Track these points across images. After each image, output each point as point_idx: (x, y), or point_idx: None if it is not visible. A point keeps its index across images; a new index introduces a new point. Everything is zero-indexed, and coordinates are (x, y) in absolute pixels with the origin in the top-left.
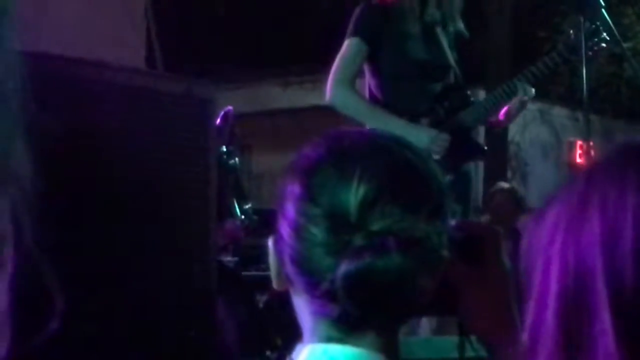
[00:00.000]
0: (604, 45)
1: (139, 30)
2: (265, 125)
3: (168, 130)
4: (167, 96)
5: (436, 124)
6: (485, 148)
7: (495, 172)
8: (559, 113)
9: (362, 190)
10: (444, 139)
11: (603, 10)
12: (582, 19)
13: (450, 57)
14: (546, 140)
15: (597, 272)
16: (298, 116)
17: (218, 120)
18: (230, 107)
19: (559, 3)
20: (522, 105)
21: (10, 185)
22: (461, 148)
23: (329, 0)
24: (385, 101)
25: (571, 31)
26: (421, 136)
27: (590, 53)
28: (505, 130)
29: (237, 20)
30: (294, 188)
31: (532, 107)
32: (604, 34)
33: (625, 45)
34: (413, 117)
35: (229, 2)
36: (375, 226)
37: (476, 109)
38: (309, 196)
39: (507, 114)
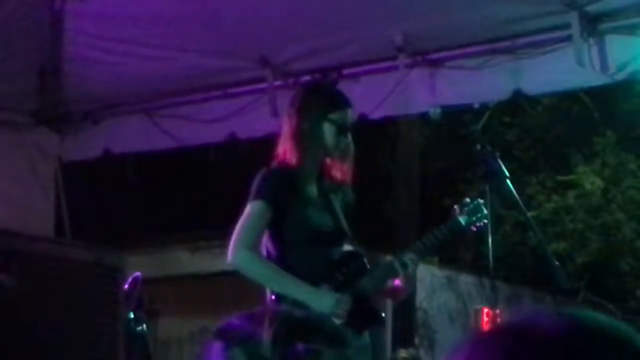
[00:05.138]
0: (485, 221)
1: (48, 197)
2: (172, 290)
3: (77, 298)
4: (77, 264)
5: (337, 290)
6: (384, 315)
7: (403, 338)
8: (466, 280)
9: None
10: (346, 302)
11: (507, 180)
12: (487, 188)
13: (345, 223)
14: (453, 307)
15: None
16: (205, 281)
17: (126, 286)
18: (138, 273)
19: (464, 171)
20: (409, 280)
21: None
22: (362, 315)
23: (236, 166)
24: (285, 266)
25: (455, 207)
26: (324, 301)
27: (474, 229)
28: (412, 297)
29: (145, 186)
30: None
31: (440, 274)
32: (485, 211)
33: (529, 214)
34: (313, 283)
35: (138, 169)
36: None
37: (373, 278)
38: None
39: (398, 286)
